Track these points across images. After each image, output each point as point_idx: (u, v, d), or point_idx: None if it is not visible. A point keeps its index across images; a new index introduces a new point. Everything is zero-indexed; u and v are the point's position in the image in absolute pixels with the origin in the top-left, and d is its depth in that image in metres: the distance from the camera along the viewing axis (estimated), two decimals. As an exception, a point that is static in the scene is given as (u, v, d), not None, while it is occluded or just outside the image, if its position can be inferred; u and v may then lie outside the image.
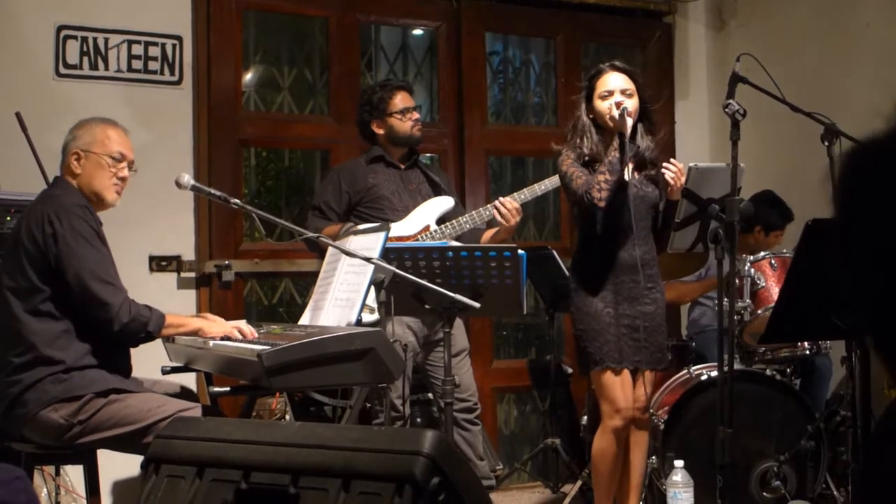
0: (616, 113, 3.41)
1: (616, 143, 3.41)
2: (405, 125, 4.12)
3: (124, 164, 3.17)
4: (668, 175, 3.46)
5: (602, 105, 3.49)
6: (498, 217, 3.88)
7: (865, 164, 0.86)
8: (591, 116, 3.54)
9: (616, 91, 3.47)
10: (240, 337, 2.99)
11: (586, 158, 3.53)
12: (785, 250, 4.26)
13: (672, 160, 3.52)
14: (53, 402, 2.93)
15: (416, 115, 4.15)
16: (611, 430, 3.52)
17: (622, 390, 3.50)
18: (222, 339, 3.00)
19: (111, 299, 2.93)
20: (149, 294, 4.01)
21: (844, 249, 0.87)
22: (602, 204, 3.42)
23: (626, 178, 3.44)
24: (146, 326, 2.96)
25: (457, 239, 4.01)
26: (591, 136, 3.53)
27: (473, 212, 4.06)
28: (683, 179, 3.46)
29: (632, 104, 3.46)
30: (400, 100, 4.12)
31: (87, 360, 2.99)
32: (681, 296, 4.84)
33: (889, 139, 0.86)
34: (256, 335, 3.01)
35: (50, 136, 4.10)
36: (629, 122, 3.39)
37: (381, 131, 4.14)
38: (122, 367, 3.13)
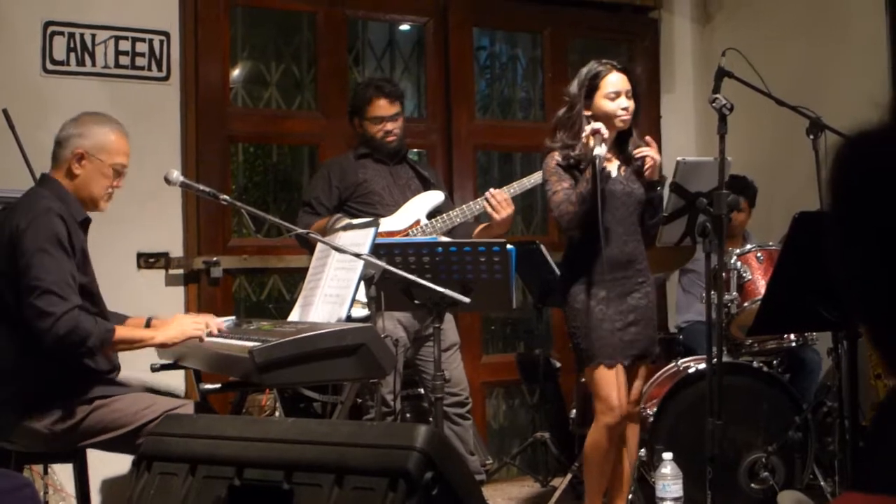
0: (593, 143, 3.38)
1: (588, 172, 3.41)
2: (377, 133, 4.13)
3: (123, 176, 3.05)
4: (647, 158, 3.48)
5: (609, 105, 3.50)
6: (489, 209, 3.88)
7: (865, 151, 0.87)
8: (588, 114, 3.53)
9: (622, 93, 3.49)
10: (210, 332, 2.94)
11: (572, 161, 3.53)
12: (771, 243, 4.28)
13: (645, 139, 3.53)
14: (34, 413, 2.83)
15: (388, 126, 4.12)
16: (604, 426, 3.52)
17: (616, 387, 3.49)
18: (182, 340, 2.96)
19: (50, 309, 2.69)
20: (137, 291, 4.01)
21: (841, 240, 0.87)
22: (570, 232, 3.56)
23: (612, 174, 3.46)
24: (85, 342, 2.72)
25: (448, 234, 4.01)
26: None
27: (464, 206, 4.05)
28: (658, 156, 3.49)
29: (632, 105, 3.50)
30: (377, 108, 4.11)
31: (67, 366, 2.84)
32: None
33: (890, 127, 0.86)
34: (223, 327, 3.02)
35: (37, 133, 4.07)
36: (603, 150, 3.37)
37: (360, 130, 4.18)
38: (104, 367, 2.97)
